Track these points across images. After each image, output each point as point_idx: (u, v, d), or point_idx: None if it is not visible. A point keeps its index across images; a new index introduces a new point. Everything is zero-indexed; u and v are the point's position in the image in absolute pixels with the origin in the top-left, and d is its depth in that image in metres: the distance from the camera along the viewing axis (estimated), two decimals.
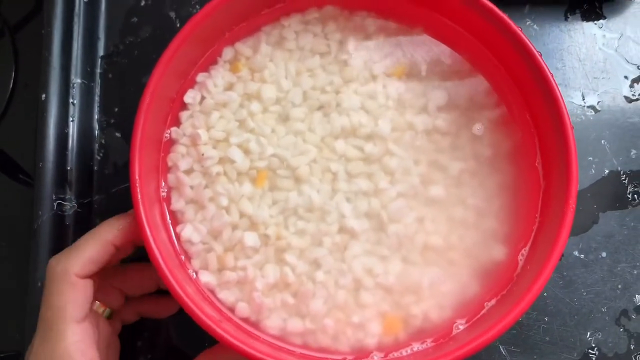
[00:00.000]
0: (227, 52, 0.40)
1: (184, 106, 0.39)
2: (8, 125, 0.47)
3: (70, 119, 0.43)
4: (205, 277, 0.36)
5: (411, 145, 0.39)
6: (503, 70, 0.39)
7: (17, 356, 0.42)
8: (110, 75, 0.45)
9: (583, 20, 0.46)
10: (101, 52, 0.46)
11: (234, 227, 0.37)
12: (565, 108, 0.34)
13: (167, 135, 0.38)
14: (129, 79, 0.45)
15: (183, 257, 0.37)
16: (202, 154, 0.37)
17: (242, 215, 0.37)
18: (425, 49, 0.41)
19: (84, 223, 0.43)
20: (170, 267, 0.33)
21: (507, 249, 0.37)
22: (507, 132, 0.39)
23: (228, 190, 0.37)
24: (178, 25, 0.46)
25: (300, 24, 0.40)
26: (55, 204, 0.41)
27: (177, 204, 0.37)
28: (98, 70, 0.45)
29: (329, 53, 0.40)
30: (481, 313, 0.35)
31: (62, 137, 0.42)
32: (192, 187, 0.38)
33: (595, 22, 0.46)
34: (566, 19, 0.46)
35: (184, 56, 0.37)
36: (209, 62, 0.40)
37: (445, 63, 0.40)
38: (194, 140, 0.38)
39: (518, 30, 0.36)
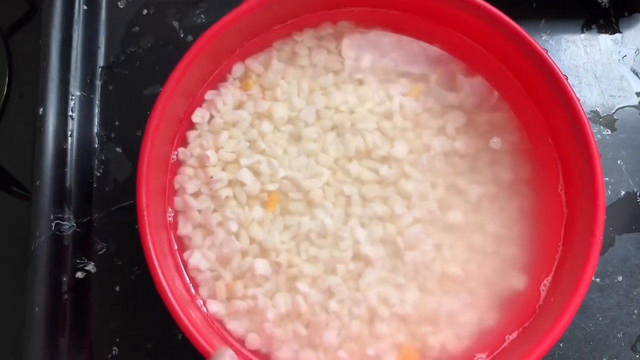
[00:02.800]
0: (238, 69, 0.38)
1: (192, 125, 0.37)
2: (2, 137, 0.44)
3: (69, 133, 0.41)
4: (214, 307, 0.35)
5: (428, 168, 0.37)
6: (524, 91, 0.38)
7: None
8: (110, 87, 0.43)
9: (599, 34, 0.45)
10: (101, 63, 0.44)
11: (244, 254, 0.36)
12: (593, 136, 0.33)
13: (175, 156, 0.36)
14: (130, 91, 0.43)
15: (191, 286, 0.35)
16: (211, 177, 0.36)
17: (252, 241, 0.36)
18: (444, 67, 0.39)
19: (83, 243, 0.41)
20: (176, 296, 0.32)
21: (528, 278, 0.36)
22: (528, 156, 0.38)
23: (238, 214, 0.36)
24: (182, 35, 0.44)
25: (314, 40, 0.39)
26: (53, 224, 0.39)
27: (185, 229, 0.36)
28: (98, 82, 0.43)
29: (343, 70, 0.39)
30: (502, 347, 0.34)
31: (61, 152, 0.40)
32: (199, 211, 0.36)
33: (612, 36, 0.45)
34: (582, 33, 0.45)
35: (193, 74, 0.35)
36: (218, 79, 0.38)
37: (464, 82, 0.39)
38: (202, 162, 0.36)
39: (543, 52, 0.34)
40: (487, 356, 0.34)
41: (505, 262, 0.37)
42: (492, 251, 0.37)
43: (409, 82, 0.39)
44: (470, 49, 0.39)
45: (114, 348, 0.39)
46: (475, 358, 0.34)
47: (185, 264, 0.35)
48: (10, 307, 0.41)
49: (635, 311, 0.40)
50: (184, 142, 0.37)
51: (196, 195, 0.36)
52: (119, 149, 0.42)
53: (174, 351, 0.39)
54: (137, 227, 0.39)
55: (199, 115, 0.37)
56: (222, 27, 0.34)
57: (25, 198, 0.41)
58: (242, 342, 0.35)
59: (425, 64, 0.39)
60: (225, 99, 0.37)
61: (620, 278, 0.41)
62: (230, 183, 0.36)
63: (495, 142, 0.38)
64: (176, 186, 0.36)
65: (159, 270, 0.32)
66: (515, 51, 0.36)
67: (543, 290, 0.35)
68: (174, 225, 0.36)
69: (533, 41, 0.35)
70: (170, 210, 0.36)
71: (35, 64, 0.41)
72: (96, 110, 0.43)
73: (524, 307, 0.35)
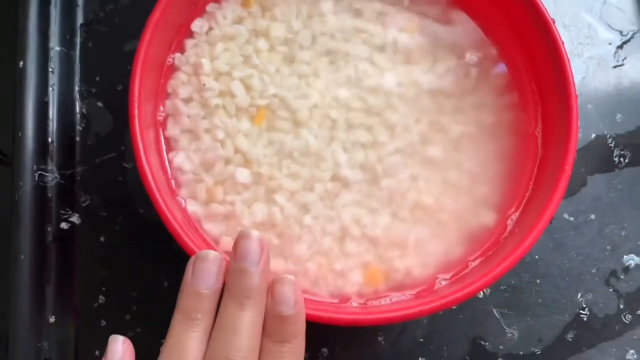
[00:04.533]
0: None
1: (190, 34, 0.38)
2: None
3: (50, 88, 0.42)
4: (193, 207, 0.36)
5: (414, 102, 0.38)
6: (515, 37, 0.39)
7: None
8: (90, 44, 0.44)
9: None
10: (81, 20, 0.44)
11: (227, 162, 0.37)
12: (573, 77, 0.34)
13: (171, 60, 0.38)
14: (110, 47, 0.44)
15: (173, 183, 0.36)
16: (204, 84, 0.37)
17: (236, 151, 0.37)
18: (440, 9, 0.40)
19: (67, 195, 0.41)
20: (160, 190, 0.33)
21: (497, 216, 0.37)
22: (511, 99, 0.39)
23: (225, 124, 0.37)
24: None
25: None
26: (36, 175, 0.40)
27: (173, 130, 0.37)
28: (78, 39, 0.44)
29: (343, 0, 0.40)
30: (465, 272, 0.35)
31: (42, 105, 0.41)
32: (189, 116, 0.37)
33: None
34: None
35: None
36: None
37: (459, 26, 0.40)
38: (196, 70, 0.37)
39: None
40: (450, 278, 0.35)
41: (477, 199, 0.38)
42: (466, 188, 0.38)
43: (406, 18, 0.40)
44: None
45: (100, 297, 0.40)
46: (438, 279, 0.36)
47: (170, 163, 0.37)
48: None
49: (608, 247, 0.42)
50: (181, 49, 0.38)
51: (187, 101, 0.37)
52: (100, 104, 0.43)
53: (159, 299, 0.39)
54: (120, 179, 0.41)
55: (198, 25, 0.38)
56: None
57: (4, 162, 0.41)
58: (216, 242, 0.36)
59: (425, 4, 0.40)
60: (225, 12, 0.38)
61: (592, 216, 0.42)
62: (221, 93, 0.37)
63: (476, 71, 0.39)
64: (169, 90, 0.38)
65: (144, 161, 0.33)
66: None
67: (510, 224, 0.36)
68: (163, 125, 0.37)
69: None
70: (162, 109, 0.37)
71: (10, 26, 0.41)
72: (77, 66, 0.44)
73: (490, 239, 0.36)
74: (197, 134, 0.37)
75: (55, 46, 0.42)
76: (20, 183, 0.39)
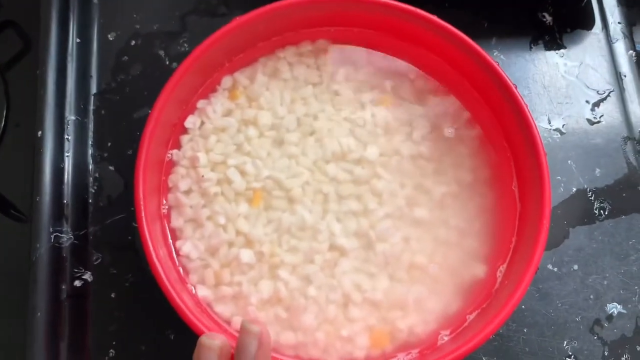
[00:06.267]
0: (226, 81, 0.42)
1: (184, 130, 0.41)
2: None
3: (66, 154, 0.45)
4: (203, 292, 0.38)
5: (397, 169, 0.41)
6: (482, 101, 0.42)
7: None
8: (103, 112, 0.47)
9: (546, 50, 0.50)
10: (94, 90, 0.47)
11: (231, 245, 0.39)
12: (539, 136, 0.37)
13: (169, 156, 0.40)
14: (121, 114, 0.47)
15: (182, 271, 0.39)
16: (202, 176, 0.40)
17: (238, 233, 0.39)
18: (411, 80, 0.44)
19: (80, 254, 0.43)
20: (170, 280, 0.35)
21: (487, 267, 0.40)
22: (486, 158, 0.42)
23: (225, 209, 0.39)
24: (167, 62, 0.48)
25: (295, 56, 0.43)
26: (52, 237, 0.42)
27: (177, 222, 0.40)
28: (91, 107, 0.47)
29: (321, 83, 0.43)
30: (464, 325, 0.37)
31: (58, 171, 0.44)
32: (191, 207, 0.40)
33: (557, 51, 0.50)
34: (530, 49, 0.50)
35: (186, 84, 0.40)
36: (209, 90, 0.42)
37: (429, 94, 0.43)
38: (194, 163, 0.40)
39: (495, 64, 0.39)
40: (450, 333, 0.38)
41: (467, 253, 0.40)
42: (455, 243, 0.40)
43: (379, 93, 0.43)
44: (434, 63, 0.43)
45: (111, 350, 0.42)
46: (440, 335, 0.38)
47: (177, 252, 0.39)
48: (11, 316, 0.43)
49: (591, 296, 0.44)
50: (177, 145, 0.41)
51: (188, 192, 0.40)
52: (111, 167, 0.46)
53: (166, 352, 0.41)
54: (130, 238, 0.43)
55: (191, 121, 0.41)
56: (212, 43, 0.39)
57: (22, 220, 0.44)
58: (228, 323, 0.38)
59: (395, 77, 0.44)
60: (215, 107, 0.42)
61: (576, 267, 0.45)
62: (219, 181, 0.40)
63: (450, 131, 0.42)
64: (170, 184, 0.40)
65: (154, 256, 0.35)
66: (472, 65, 0.41)
67: (499, 276, 0.39)
68: (168, 218, 0.40)
69: (486, 55, 0.39)
70: (165, 202, 0.40)
71: (29, 95, 0.45)
72: (90, 132, 0.46)
73: (483, 291, 0.39)
74: (200, 222, 0.39)
75: (70, 116, 0.45)
76: (38, 245, 0.41)
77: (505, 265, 0.38)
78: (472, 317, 0.38)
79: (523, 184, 0.39)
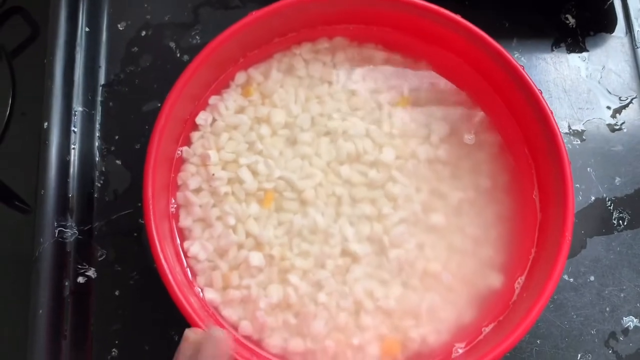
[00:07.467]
0: (240, 77, 0.41)
1: (195, 127, 0.40)
2: (4, 153, 0.46)
3: (72, 146, 0.43)
4: (210, 295, 0.37)
5: (413, 173, 0.40)
6: (503, 105, 0.41)
7: None
8: (111, 104, 0.46)
9: (568, 53, 0.49)
10: (102, 81, 0.46)
11: (240, 247, 0.38)
12: (564, 145, 0.36)
13: (179, 153, 0.39)
14: (129, 107, 0.46)
15: (189, 272, 0.37)
16: (213, 174, 0.39)
17: (248, 235, 0.38)
18: (430, 81, 0.42)
19: (84, 249, 0.42)
20: (177, 281, 0.34)
21: (504, 277, 0.38)
22: (506, 164, 0.41)
23: (235, 210, 0.38)
24: (178, 55, 0.47)
25: (311, 53, 0.42)
26: (56, 231, 0.41)
27: (185, 221, 0.38)
28: (99, 99, 0.46)
29: (337, 82, 0.42)
30: (479, 338, 0.36)
31: (64, 164, 0.43)
32: (200, 206, 0.39)
33: (579, 54, 0.49)
34: (552, 51, 0.48)
35: (199, 80, 0.38)
36: (221, 86, 0.41)
37: (448, 96, 0.42)
38: (204, 160, 0.39)
39: (520, 68, 0.38)
40: (465, 346, 0.36)
41: (482, 262, 0.39)
42: (471, 252, 0.39)
43: (397, 94, 0.42)
44: (455, 64, 0.42)
45: (114, 350, 0.41)
46: (455, 348, 0.37)
47: (185, 253, 0.38)
48: (13, 312, 0.42)
49: (607, 309, 0.43)
50: (188, 142, 0.40)
51: (197, 191, 0.39)
52: (118, 162, 0.44)
53: (170, 352, 0.38)
54: (135, 235, 0.42)
55: (202, 118, 0.40)
56: (227, 38, 0.38)
57: (26, 212, 0.43)
58: (235, 327, 0.37)
59: (413, 78, 0.42)
60: (227, 103, 0.40)
61: (592, 278, 0.43)
62: (230, 181, 0.39)
63: (469, 138, 0.41)
64: (179, 182, 0.39)
65: (161, 256, 0.34)
66: (495, 68, 0.39)
67: (517, 288, 0.37)
68: (176, 217, 0.39)
69: (512, 58, 0.38)
70: (174, 201, 0.39)
71: (36, 83, 0.43)
72: (97, 125, 0.45)
73: (499, 303, 0.38)
74: (209, 222, 0.38)
75: (77, 107, 0.44)
76: (41, 239, 0.40)
77: (524, 277, 0.37)
78: (488, 329, 0.37)
79: (544, 193, 0.38)
